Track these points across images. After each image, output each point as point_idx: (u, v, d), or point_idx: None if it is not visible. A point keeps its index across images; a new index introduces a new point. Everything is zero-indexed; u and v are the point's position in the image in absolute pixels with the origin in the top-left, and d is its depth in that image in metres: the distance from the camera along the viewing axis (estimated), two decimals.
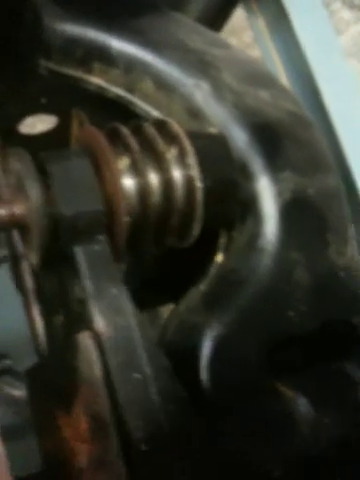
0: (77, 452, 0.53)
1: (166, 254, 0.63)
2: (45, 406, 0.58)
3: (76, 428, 0.52)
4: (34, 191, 0.46)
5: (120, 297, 0.49)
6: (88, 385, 0.48)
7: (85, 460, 0.52)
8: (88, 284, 0.49)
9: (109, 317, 0.48)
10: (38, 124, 0.87)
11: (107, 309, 0.49)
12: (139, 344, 0.48)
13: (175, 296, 0.75)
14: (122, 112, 0.68)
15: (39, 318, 0.64)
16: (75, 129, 0.85)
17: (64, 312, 0.63)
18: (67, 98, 0.78)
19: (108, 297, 0.49)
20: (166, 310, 0.86)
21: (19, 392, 0.75)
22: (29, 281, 0.64)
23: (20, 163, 0.48)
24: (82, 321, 0.59)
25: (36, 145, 0.83)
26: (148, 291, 0.72)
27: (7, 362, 0.57)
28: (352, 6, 1.91)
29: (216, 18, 0.89)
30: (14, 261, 0.65)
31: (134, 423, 0.46)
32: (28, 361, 0.63)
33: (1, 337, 0.85)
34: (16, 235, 0.65)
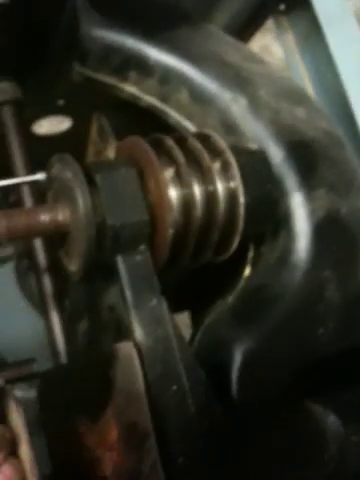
0: (100, 460, 0.53)
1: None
2: (63, 411, 0.58)
3: (103, 436, 0.52)
4: (82, 199, 0.46)
5: (159, 308, 0.49)
6: (124, 394, 0.48)
7: (110, 468, 0.52)
8: (129, 294, 0.49)
9: (149, 328, 0.48)
10: (47, 124, 0.87)
11: (147, 320, 0.49)
12: (177, 356, 0.48)
13: (191, 305, 0.75)
14: (146, 119, 0.68)
15: (58, 323, 0.64)
16: (94, 133, 0.85)
17: (90, 318, 0.63)
18: (87, 102, 0.78)
19: (148, 308, 0.49)
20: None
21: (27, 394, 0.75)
22: (49, 288, 0.64)
23: (69, 171, 0.48)
24: (110, 328, 0.59)
25: (47, 146, 0.83)
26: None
27: (34, 367, 0.56)
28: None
29: (244, 30, 0.89)
30: (34, 268, 0.64)
31: (172, 435, 0.46)
32: (42, 366, 0.63)
33: (16, 339, 0.84)
34: (38, 243, 0.65)
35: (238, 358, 0.55)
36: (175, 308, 0.79)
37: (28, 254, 0.69)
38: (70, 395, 0.56)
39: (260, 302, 0.59)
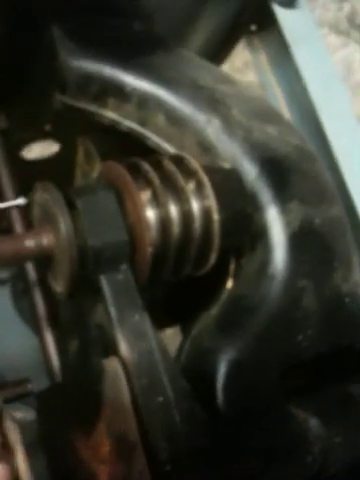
0: (95, 473, 0.55)
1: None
2: (59, 429, 0.60)
3: (96, 450, 0.54)
4: (64, 223, 0.49)
5: (142, 323, 0.52)
6: (113, 407, 0.50)
7: None
8: (112, 311, 0.52)
9: (132, 342, 0.51)
10: (36, 149, 0.90)
11: (130, 335, 0.51)
12: (161, 368, 0.51)
13: (181, 319, 0.77)
14: (130, 142, 0.71)
15: (52, 344, 0.66)
16: (80, 156, 0.88)
17: (80, 337, 0.66)
18: (72, 127, 0.81)
19: (131, 323, 0.52)
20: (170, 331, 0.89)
21: (26, 416, 0.77)
22: (42, 308, 0.67)
23: (49, 196, 0.51)
24: (99, 345, 0.62)
25: (37, 170, 0.86)
26: (155, 313, 0.75)
27: (29, 386, 0.58)
28: (338, 32, 1.98)
29: (218, 51, 0.93)
30: (27, 290, 0.67)
31: (158, 444, 0.48)
32: (39, 385, 0.65)
33: (14, 359, 0.86)
34: (30, 265, 0.67)
35: (222, 368, 0.57)
36: (166, 323, 0.82)
37: (23, 277, 0.72)
38: (65, 412, 0.59)
39: (241, 312, 0.61)
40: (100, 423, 0.52)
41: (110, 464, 0.52)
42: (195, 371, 0.58)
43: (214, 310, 0.63)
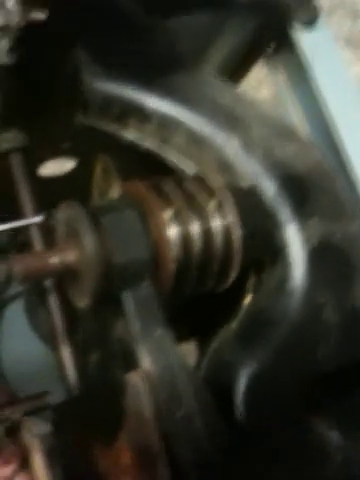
0: None
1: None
2: (79, 441, 0.61)
3: (117, 460, 0.55)
4: (89, 240, 0.51)
5: (165, 337, 0.53)
6: (135, 420, 0.51)
7: None
8: (135, 326, 0.53)
9: (155, 357, 0.52)
10: (51, 166, 0.91)
11: (153, 349, 0.52)
12: (184, 382, 0.52)
13: (198, 333, 0.78)
14: (148, 160, 0.73)
15: (69, 356, 0.67)
16: (98, 174, 0.90)
17: (101, 350, 0.67)
18: (92, 146, 0.83)
19: (154, 338, 0.53)
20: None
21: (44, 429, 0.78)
22: (59, 321, 0.68)
23: (74, 213, 0.52)
24: (120, 358, 0.63)
25: (54, 187, 0.88)
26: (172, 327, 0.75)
27: (48, 399, 0.60)
28: (354, 47, 2.00)
29: (237, 70, 0.95)
30: (43, 303, 0.68)
31: (182, 456, 0.49)
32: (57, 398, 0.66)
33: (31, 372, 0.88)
34: (48, 280, 0.69)
35: (242, 382, 0.58)
36: (185, 336, 0.83)
37: (37, 291, 0.73)
38: (84, 424, 0.60)
39: (261, 327, 0.62)
40: (121, 435, 0.53)
41: (131, 475, 0.53)
42: (215, 384, 0.59)
43: (234, 324, 0.64)
